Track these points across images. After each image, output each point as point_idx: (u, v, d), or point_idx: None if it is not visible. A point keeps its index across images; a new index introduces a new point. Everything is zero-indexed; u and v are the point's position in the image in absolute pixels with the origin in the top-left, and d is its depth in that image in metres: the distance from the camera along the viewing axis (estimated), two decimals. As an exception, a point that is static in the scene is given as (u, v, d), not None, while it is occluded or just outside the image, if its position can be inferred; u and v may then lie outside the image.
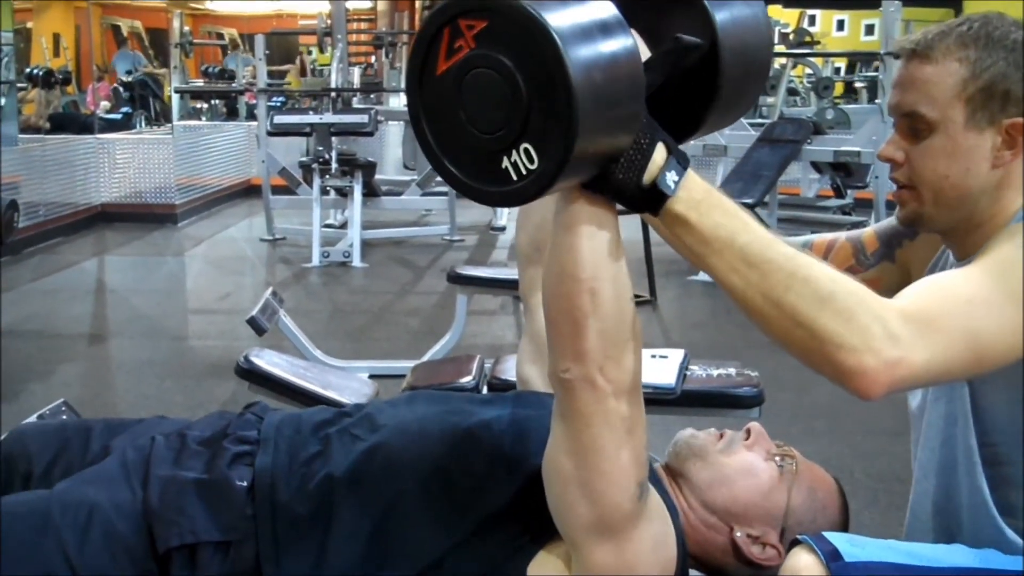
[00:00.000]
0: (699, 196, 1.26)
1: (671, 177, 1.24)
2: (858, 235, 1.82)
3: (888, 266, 1.77)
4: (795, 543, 1.47)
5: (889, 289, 1.74)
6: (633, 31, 1.31)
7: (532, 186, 1.18)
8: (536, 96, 1.14)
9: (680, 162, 1.26)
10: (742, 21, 1.35)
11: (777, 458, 1.72)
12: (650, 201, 1.25)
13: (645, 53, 1.32)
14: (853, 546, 1.44)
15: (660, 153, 1.24)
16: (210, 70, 16.03)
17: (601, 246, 1.29)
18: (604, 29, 1.17)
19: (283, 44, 17.81)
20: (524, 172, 1.17)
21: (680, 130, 1.32)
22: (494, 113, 1.17)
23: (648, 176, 1.24)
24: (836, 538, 1.45)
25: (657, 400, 3.45)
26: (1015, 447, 1.49)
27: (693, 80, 1.33)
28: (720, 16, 1.31)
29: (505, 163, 1.18)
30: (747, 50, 1.36)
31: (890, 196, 1.57)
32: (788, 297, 1.23)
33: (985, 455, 1.50)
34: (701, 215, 1.25)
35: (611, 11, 1.20)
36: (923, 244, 1.72)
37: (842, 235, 1.84)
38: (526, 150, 1.16)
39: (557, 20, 1.12)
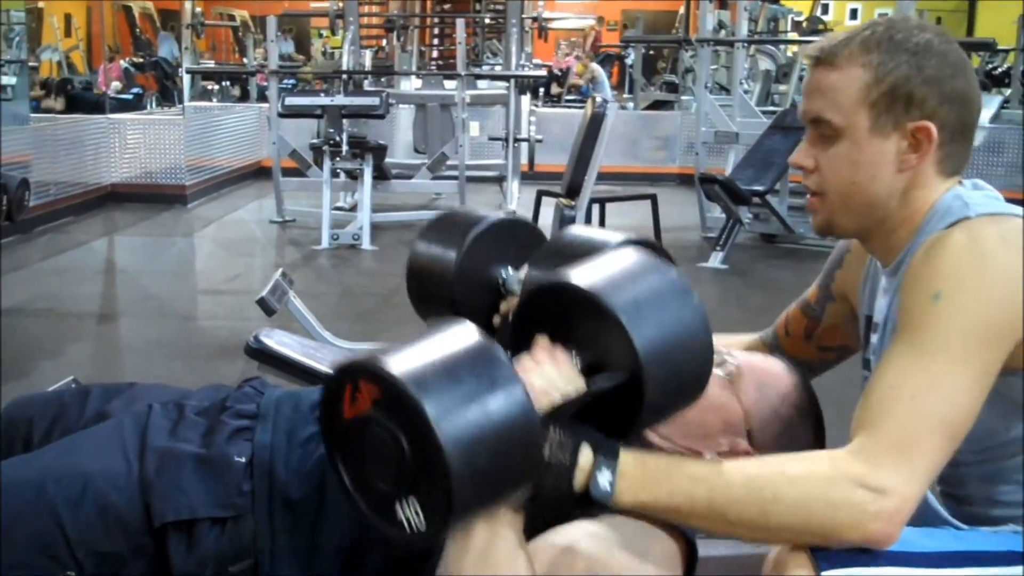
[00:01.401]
0: (638, 477, 1.28)
1: (604, 479, 1.26)
2: (804, 296, 1.85)
3: (832, 306, 1.79)
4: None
5: (844, 326, 1.77)
6: (559, 350, 1.35)
7: (422, 543, 1.20)
8: (421, 470, 1.15)
9: (608, 456, 1.27)
10: (672, 345, 1.33)
11: (717, 368, 1.70)
12: (592, 505, 1.26)
13: (571, 374, 1.34)
14: None
15: (586, 459, 1.26)
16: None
17: (494, 547, 1.28)
18: (494, 408, 1.16)
19: (295, 26, 17.79)
20: (415, 529, 1.19)
21: (614, 420, 1.33)
22: (388, 468, 1.19)
23: (578, 485, 1.25)
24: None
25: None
26: (976, 450, 1.49)
27: (623, 390, 1.32)
28: (645, 347, 1.29)
29: (400, 515, 1.20)
30: (675, 373, 1.35)
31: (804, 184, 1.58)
32: (772, 522, 1.27)
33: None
34: (652, 493, 1.28)
35: (501, 368, 1.20)
36: (850, 267, 1.74)
37: (792, 305, 1.86)
38: (415, 511, 1.18)
39: (441, 406, 1.13)
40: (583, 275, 1.36)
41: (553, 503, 1.27)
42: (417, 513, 1.18)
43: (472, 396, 1.16)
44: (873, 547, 1.26)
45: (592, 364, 1.35)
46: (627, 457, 1.29)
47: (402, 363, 1.17)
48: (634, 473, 1.28)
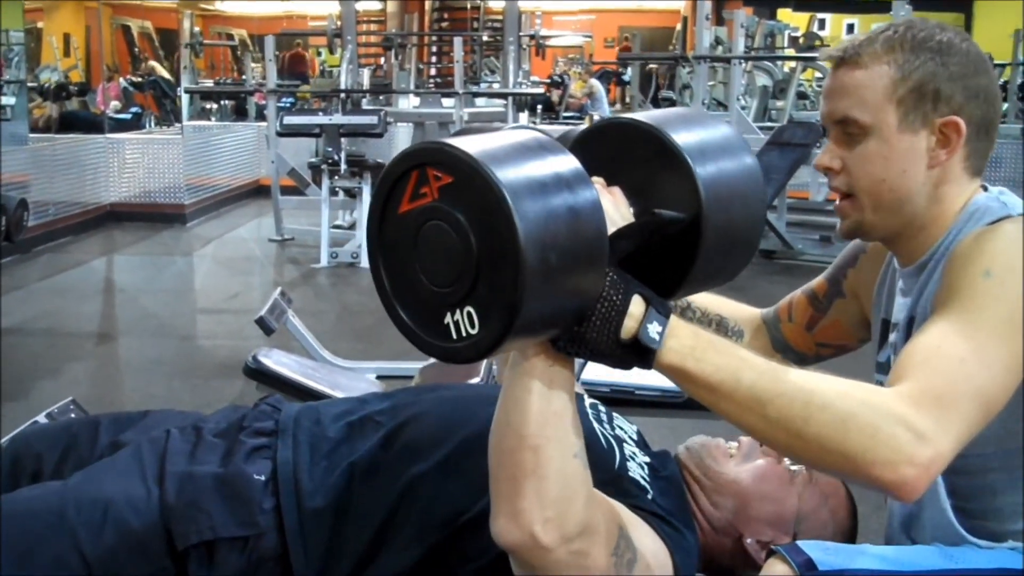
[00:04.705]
0: (690, 342, 1.24)
1: (654, 329, 1.21)
2: (810, 285, 1.85)
3: (841, 302, 1.80)
4: (771, 553, 1.48)
5: (849, 324, 1.79)
6: (616, 189, 1.31)
7: (470, 350, 1.16)
8: (486, 263, 1.11)
9: (661, 311, 1.23)
10: (732, 196, 1.32)
11: (788, 462, 1.72)
12: (636, 356, 1.22)
13: (626, 214, 1.31)
14: (827, 554, 1.45)
15: (637, 306, 1.22)
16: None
17: (551, 405, 1.26)
18: (569, 203, 1.14)
19: (291, 45, 17.82)
20: (464, 334, 1.15)
21: (661, 286, 1.29)
22: (445, 268, 1.15)
23: (626, 332, 1.21)
24: (809, 547, 1.45)
25: (665, 404, 3.47)
26: (990, 457, 1.49)
27: (675, 245, 1.30)
28: (707, 190, 1.28)
29: (448, 320, 1.16)
30: (733, 226, 1.33)
31: (831, 196, 1.58)
32: (810, 428, 1.21)
33: (953, 466, 1.50)
34: (698, 361, 1.23)
35: (578, 175, 1.17)
36: (864, 267, 1.75)
37: (797, 292, 1.87)
38: (469, 314, 1.14)
39: (518, 192, 1.09)
40: (643, 116, 1.33)
41: (595, 348, 1.22)
42: (470, 316, 1.14)
43: (549, 190, 1.12)
44: (895, 494, 1.21)
45: (646, 212, 1.32)
46: (679, 321, 1.25)
47: (477, 147, 1.12)
48: (685, 337, 1.24)
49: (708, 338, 1.26)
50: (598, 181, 1.31)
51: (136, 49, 16.75)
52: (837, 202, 1.56)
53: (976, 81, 1.47)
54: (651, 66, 14.81)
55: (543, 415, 1.26)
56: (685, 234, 1.29)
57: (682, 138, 1.29)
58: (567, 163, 1.18)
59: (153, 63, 15.58)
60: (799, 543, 1.48)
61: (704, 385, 1.24)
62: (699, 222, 1.28)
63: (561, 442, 1.27)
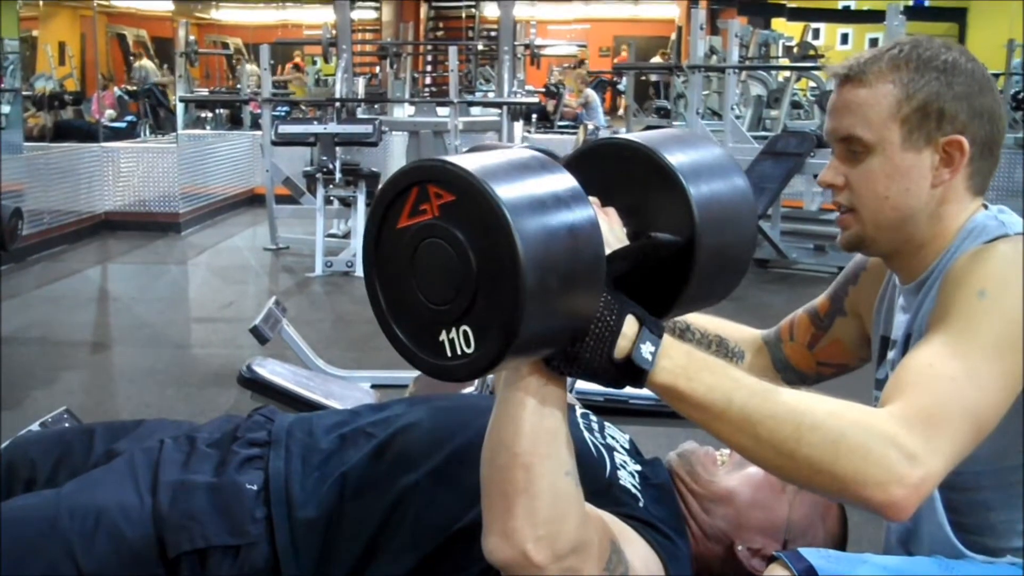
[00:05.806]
0: (682, 362, 1.24)
1: (647, 349, 1.22)
2: (812, 304, 1.86)
3: (842, 320, 1.80)
4: (771, 560, 1.48)
5: (850, 342, 1.80)
6: (611, 209, 1.32)
7: (464, 368, 1.16)
8: (485, 283, 1.12)
9: (654, 331, 1.23)
10: (725, 217, 1.33)
11: None
12: (628, 376, 1.23)
13: (621, 235, 1.32)
14: (828, 561, 1.45)
15: (631, 326, 1.22)
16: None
17: (544, 422, 1.26)
18: (568, 223, 1.14)
19: (288, 54, 17.84)
20: (459, 352, 1.15)
21: (653, 306, 1.29)
22: (442, 286, 1.15)
23: (620, 351, 1.22)
24: (811, 554, 1.46)
25: (659, 413, 3.46)
26: (983, 475, 1.50)
27: (668, 266, 1.31)
28: (702, 211, 1.29)
29: (443, 337, 1.16)
30: (725, 248, 1.34)
31: (825, 206, 1.59)
32: (801, 449, 1.21)
33: (949, 481, 1.50)
34: (690, 380, 1.24)
35: (577, 196, 1.18)
36: (865, 286, 1.75)
37: (799, 311, 1.88)
38: (465, 332, 1.14)
39: (519, 212, 1.09)
40: (638, 137, 1.34)
41: (589, 367, 1.22)
42: (466, 335, 1.14)
43: (549, 210, 1.13)
44: (885, 514, 1.21)
45: (639, 233, 1.32)
46: (672, 341, 1.25)
47: (479, 166, 1.13)
48: (678, 357, 1.24)
49: (701, 358, 1.26)
50: (593, 201, 1.31)
51: (131, 58, 16.74)
52: (838, 214, 1.57)
53: (980, 101, 1.48)
54: (653, 77, 14.84)
55: (535, 433, 1.26)
56: (679, 255, 1.30)
57: (676, 159, 1.30)
58: (566, 183, 1.18)
59: (146, 63, 15.56)
60: (800, 550, 1.48)
61: (696, 405, 1.25)
62: (693, 244, 1.29)
63: (553, 460, 1.27)
